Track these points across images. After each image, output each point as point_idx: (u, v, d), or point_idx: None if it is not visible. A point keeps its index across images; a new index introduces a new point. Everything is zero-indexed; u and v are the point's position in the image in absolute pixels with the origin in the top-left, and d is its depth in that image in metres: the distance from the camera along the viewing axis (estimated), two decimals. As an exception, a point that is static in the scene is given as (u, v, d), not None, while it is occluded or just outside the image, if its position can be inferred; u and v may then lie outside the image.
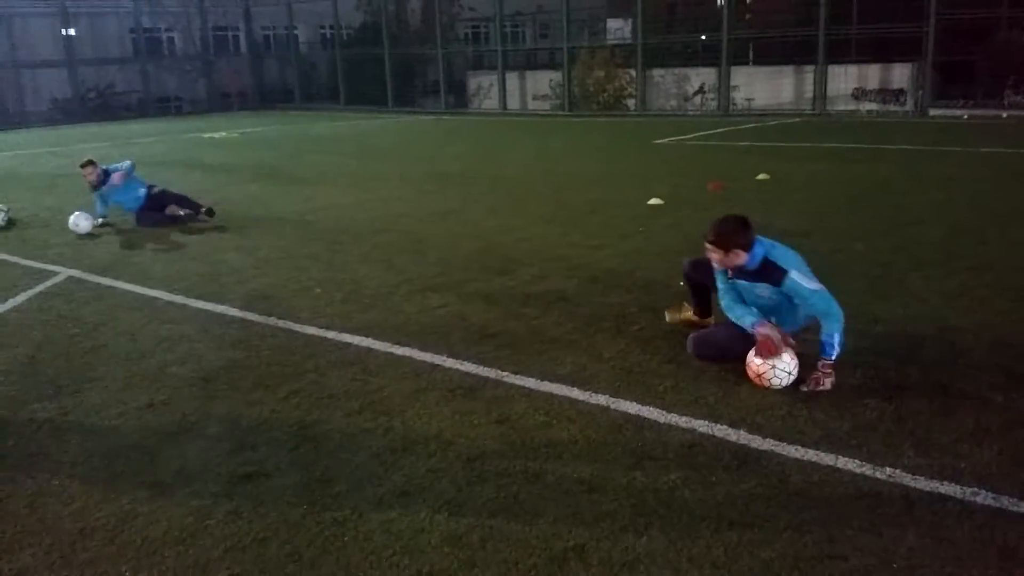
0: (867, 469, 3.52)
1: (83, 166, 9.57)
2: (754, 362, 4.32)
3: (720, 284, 4.67)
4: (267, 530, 3.20)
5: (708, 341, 4.69)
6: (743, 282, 4.53)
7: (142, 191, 9.58)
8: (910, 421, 3.94)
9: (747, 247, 4.34)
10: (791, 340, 4.40)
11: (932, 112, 21.62)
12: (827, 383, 4.27)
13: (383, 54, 31.68)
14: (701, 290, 5.10)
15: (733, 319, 4.56)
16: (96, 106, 32.52)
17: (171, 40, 36.19)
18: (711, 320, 5.14)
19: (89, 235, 8.98)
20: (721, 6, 24.54)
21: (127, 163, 9.73)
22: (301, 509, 3.33)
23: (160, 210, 9.49)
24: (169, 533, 3.20)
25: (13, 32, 31.32)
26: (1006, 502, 3.26)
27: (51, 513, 3.38)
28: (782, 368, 4.27)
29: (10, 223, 9.62)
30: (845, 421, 3.95)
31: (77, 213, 9.14)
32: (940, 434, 3.81)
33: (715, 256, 4.44)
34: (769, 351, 4.28)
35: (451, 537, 3.11)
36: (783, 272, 4.31)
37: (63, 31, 32.16)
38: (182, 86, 35.56)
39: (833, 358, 4.27)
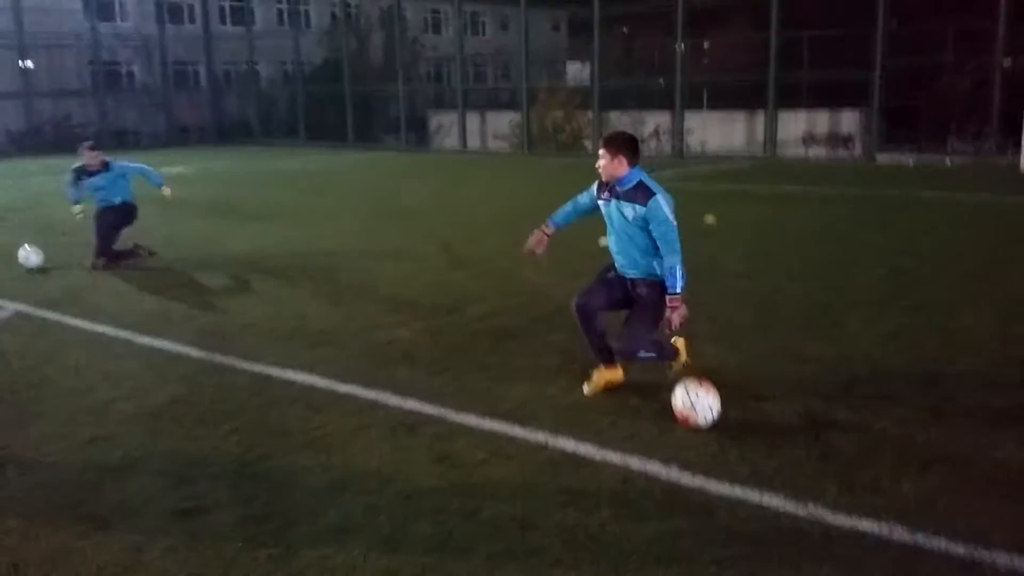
0: (791, 506, 3.65)
1: (90, 148, 9.16)
2: (676, 407, 4.46)
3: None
4: (202, 566, 3.23)
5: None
6: (613, 202, 4.88)
7: (119, 200, 9.14)
8: (834, 459, 4.10)
9: (631, 160, 4.80)
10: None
11: (879, 157, 22.23)
12: (676, 319, 4.65)
13: (343, 90, 31.87)
14: (596, 333, 5.04)
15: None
16: (52, 138, 32.18)
17: (131, 73, 36.03)
18: (619, 369, 5.06)
19: (40, 269, 8.91)
20: (678, 51, 25.07)
21: (152, 170, 9.58)
22: (237, 545, 3.37)
23: (115, 227, 9.17)
24: (104, 569, 3.23)
25: (-33, 62, 30.98)
26: (921, 538, 3.40)
27: (-16, 549, 3.38)
28: (703, 407, 4.40)
29: (-44, 256, 9.51)
30: (773, 459, 4.09)
31: (27, 247, 9.08)
32: (862, 471, 3.96)
33: (603, 161, 4.85)
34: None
35: (385, 573, 3.17)
36: (652, 194, 4.73)
37: (20, 63, 31.89)
38: (141, 119, 35.35)
39: (679, 291, 4.69)
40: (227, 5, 37.71)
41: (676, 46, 25.05)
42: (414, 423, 4.57)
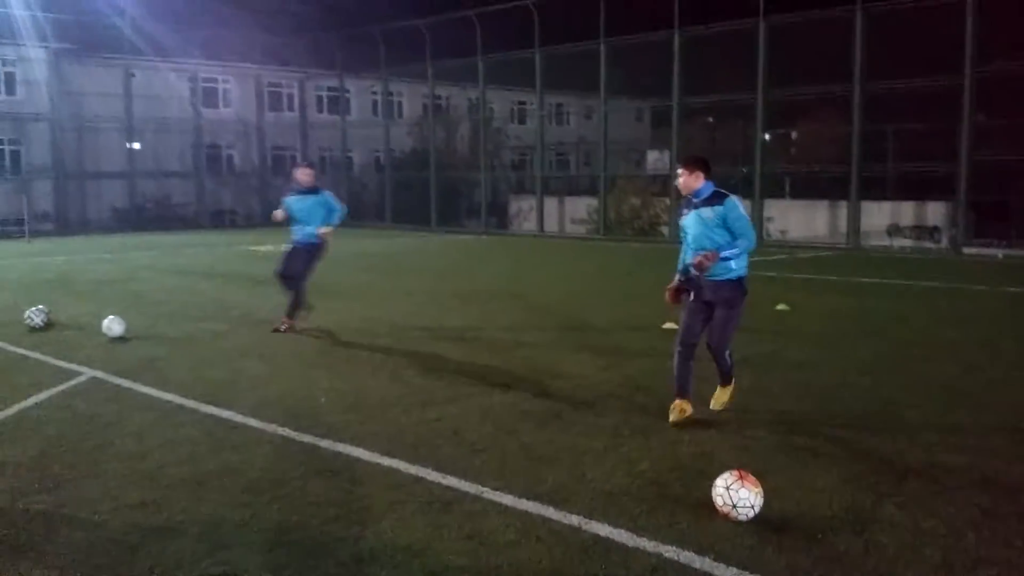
0: (824, 602, 3.53)
1: (307, 166, 9.98)
2: (716, 501, 4.38)
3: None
4: (225, 629, 3.30)
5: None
6: (692, 213, 5.97)
7: (311, 230, 9.52)
8: (876, 556, 3.95)
9: (705, 173, 5.98)
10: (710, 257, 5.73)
11: (966, 250, 21.63)
12: (704, 262, 5.69)
13: (429, 176, 32.88)
14: (690, 367, 6.10)
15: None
16: (152, 216, 33.98)
17: (230, 157, 37.98)
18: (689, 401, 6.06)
19: (121, 339, 9.34)
20: (757, 142, 25.17)
21: (340, 208, 9.85)
22: (261, 611, 3.43)
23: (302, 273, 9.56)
24: (130, 627, 3.32)
25: (83, 144, 33.17)
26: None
27: (24, 602, 3.52)
28: (744, 506, 4.30)
29: (48, 324, 10.05)
30: (811, 553, 3.97)
31: (111, 317, 9.55)
32: (904, 569, 3.81)
33: (682, 178, 5.99)
34: (705, 260, 5.72)
35: (398, 646, 3.18)
36: (725, 195, 5.92)
37: (127, 144, 34.02)
38: (237, 201, 37.10)
39: (723, 254, 5.78)
40: (324, 96, 39.62)
41: (756, 136, 25.17)
42: (451, 499, 4.60)
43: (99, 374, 7.63)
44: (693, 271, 5.91)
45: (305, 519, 4.34)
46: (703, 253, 5.75)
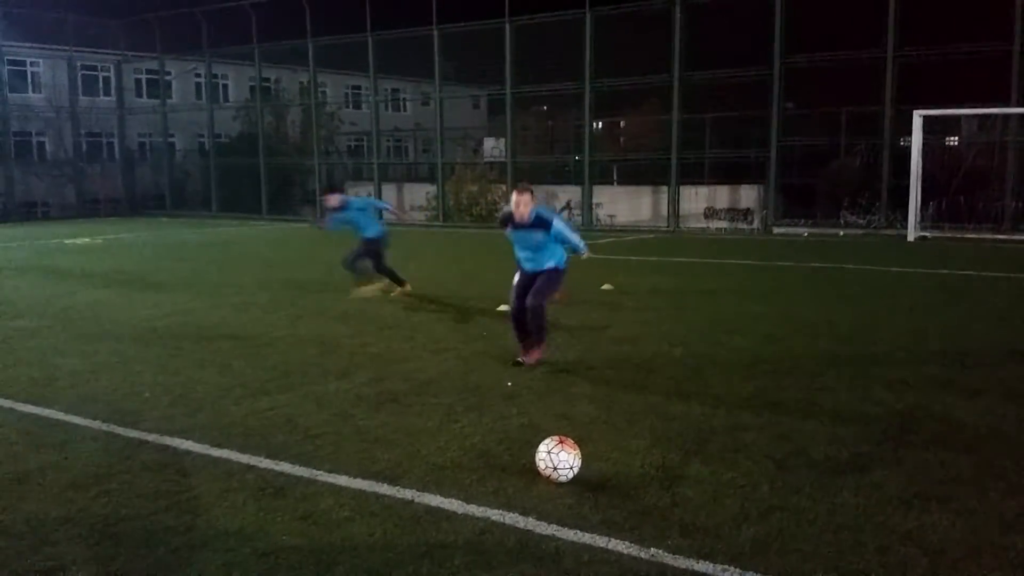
0: (634, 550, 3.87)
1: (328, 191, 12.49)
2: (539, 465, 4.68)
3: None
4: (50, 624, 3.27)
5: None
6: (523, 232, 7.28)
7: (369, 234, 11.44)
8: (682, 507, 4.35)
9: (534, 200, 7.28)
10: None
11: (776, 230, 23.31)
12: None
13: (258, 163, 31.96)
14: (524, 325, 7.44)
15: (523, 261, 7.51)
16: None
17: (41, 144, 35.48)
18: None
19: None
20: (585, 131, 26.08)
21: (377, 202, 11.63)
22: (89, 603, 3.42)
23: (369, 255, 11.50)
24: (-54, 629, 3.23)
25: None
26: (750, 576, 3.65)
27: None
28: (564, 468, 4.63)
29: None
30: (624, 508, 4.32)
31: None
32: (706, 519, 4.22)
33: (524, 200, 7.17)
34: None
35: (232, 623, 3.26)
36: (550, 222, 7.25)
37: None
38: (50, 191, 34.71)
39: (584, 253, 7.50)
40: (143, 79, 37.63)
41: (583, 126, 26.09)
42: (283, 485, 4.67)
43: None
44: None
45: (134, 511, 4.30)
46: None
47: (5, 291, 12.56)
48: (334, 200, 11.77)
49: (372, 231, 11.50)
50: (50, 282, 13.65)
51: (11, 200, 33.25)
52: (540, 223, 7.22)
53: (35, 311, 10.57)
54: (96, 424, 5.75)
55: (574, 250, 7.46)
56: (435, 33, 27.39)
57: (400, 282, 11.56)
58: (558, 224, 7.30)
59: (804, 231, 22.76)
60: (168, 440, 5.40)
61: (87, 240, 22.19)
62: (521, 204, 7.16)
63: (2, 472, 4.86)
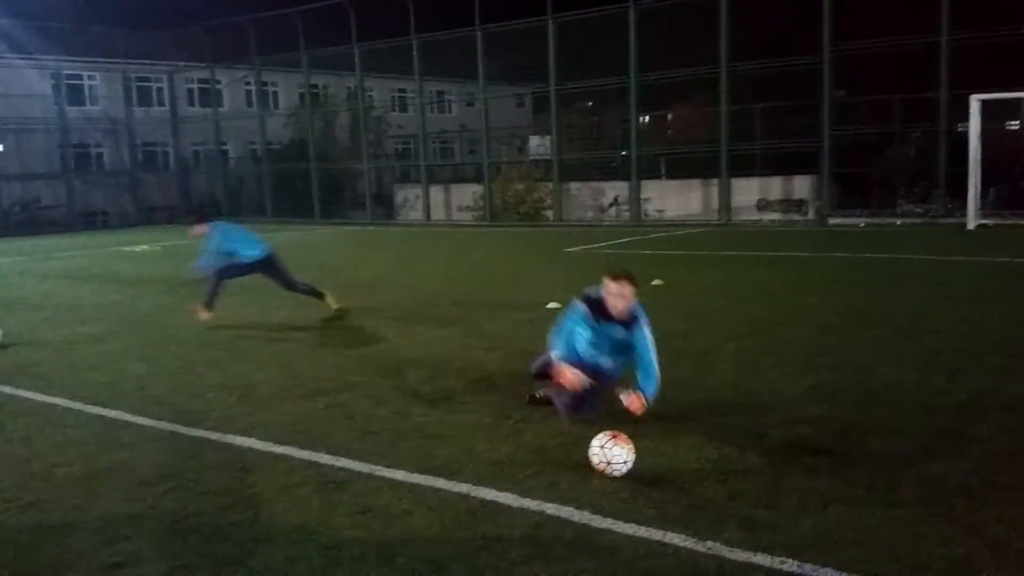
0: (690, 543, 3.88)
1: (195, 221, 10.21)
2: (594, 459, 4.71)
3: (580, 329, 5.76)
4: (125, 616, 3.40)
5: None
6: (607, 324, 5.63)
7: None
8: (738, 501, 4.33)
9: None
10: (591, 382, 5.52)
11: (831, 221, 22.95)
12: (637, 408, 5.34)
13: (309, 168, 32.44)
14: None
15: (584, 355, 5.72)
16: (21, 220, 32.34)
17: (99, 156, 36.48)
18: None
19: (-2, 346, 9.02)
20: (632, 125, 25.97)
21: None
22: (161, 595, 3.54)
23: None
24: (28, 621, 3.38)
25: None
26: (809, 568, 3.63)
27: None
28: (618, 462, 4.65)
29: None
30: (680, 502, 4.33)
31: None
32: (764, 512, 4.20)
33: (627, 294, 5.55)
34: (565, 380, 5.46)
35: (298, 615, 3.36)
36: (639, 320, 5.57)
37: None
38: (109, 200, 35.67)
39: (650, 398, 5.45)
40: (195, 88, 38.43)
41: (630, 120, 26.00)
42: (343, 479, 4.77)
43: (-26, 383, 7.41)
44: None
45: (200, 508, 4.43)
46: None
47: (70, 298, 12.97)
48: (198, 230, 10.12)
49: (255, 251, 10.01)
50: (112, 288, 14.05)
51: (72, 210, 34.25)
52: (632, 322, 5.62)
53: (99, 317, 10.90)
54: (162, 424, 5.93)
55: (642, 375, 5.52)
56: (478, 34, 27.50)
57: (320, 295, 10.22)
58: (647, 331, 5.60)
59: (860, 221, 22.37)
60: (231, 439, 5.55)
61: (145, 247, 22.75)
62: (623, 298, 5.55)
63: (75, 471, 5.05)
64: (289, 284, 10.18)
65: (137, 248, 22.54)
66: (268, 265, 10.04)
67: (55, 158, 34.33)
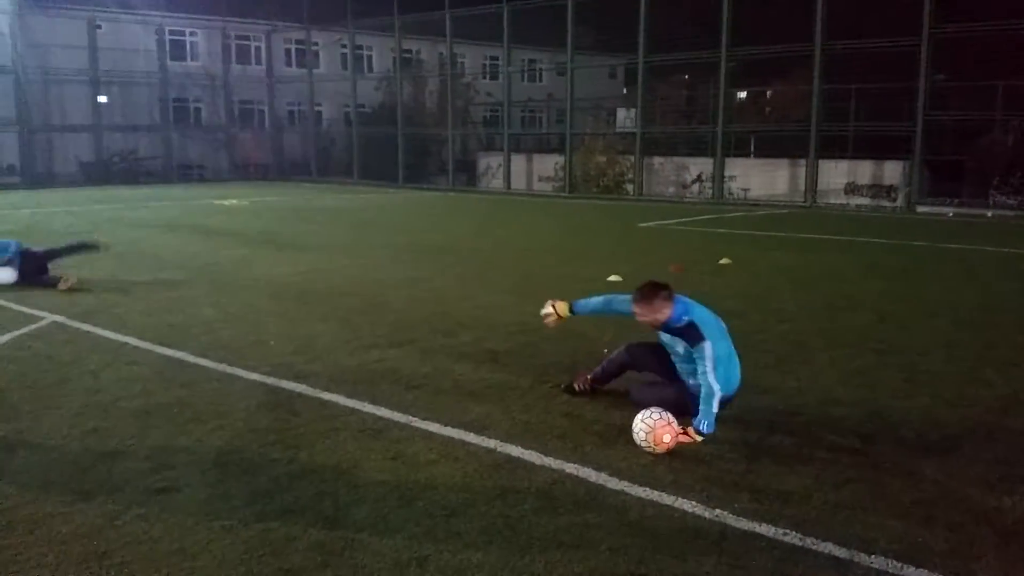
0: (699, 509, 4.01)
1: None
2: (641, 434, 4.70)
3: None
4: (165, 532, 3.73)
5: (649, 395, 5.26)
6: (665, 336, 5.22)
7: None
8: (755, 474, 4.43)
9: (668, 300, 5.07)
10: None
11: (920, 209, 22.25)
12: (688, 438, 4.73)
13: (397, 132, 32.97)
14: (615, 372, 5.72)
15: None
16: (120, 170, 33.87)
17: (198, 110, 37.80)
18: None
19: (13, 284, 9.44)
20: (721, 100, 25.54)
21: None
22: (199, 517, 3.86)
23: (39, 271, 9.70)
24: (80, 528, 3.74)
25: (49, 97, 32.93)
26: (810, 542, 3.72)
27: (-16, 510, 3.93)
28: (664, 432, 4.68)
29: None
30: (697, 472, 4.45)
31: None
32: (778, 485, 4.29)
33: (640, 311, 5.13)
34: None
35: (316, 544, 3.62)
36: (702, 339, 4.95)
37: (96, 98, 33.80)
38: (205, 155, 37.02)
39: (704, 434, 4.76)
40: (292, 49, 39.36)
41: (720, 95, 25.56)
42: (381, 428, 5.04)
43: (59, 319, 7.96)
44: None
45: (244, 444, 4.76)
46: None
47: (154, 246, 13.66)
48: None
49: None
50: (196, 239, 14.73)
51: (170, 162, 35.68)
52: (688, 334, 5.02)
53: (179, 265, 11.49)
54: (222, 367, 6.31)
55: (704, 398, 4.82)
56: (569, 2, 27.36)
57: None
58: (708, 350, 4.92)
59: (949, 211, 21.65)
60: (284, 384, 5.88)
61: (234, 202, 23.62)
62: (641, 315, 5.16)
63: (135, 404, 5.45)
64: (50, 253, 10.10)
65: (227, 202, 23.41)
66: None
67: (156, 111, 35.74)
